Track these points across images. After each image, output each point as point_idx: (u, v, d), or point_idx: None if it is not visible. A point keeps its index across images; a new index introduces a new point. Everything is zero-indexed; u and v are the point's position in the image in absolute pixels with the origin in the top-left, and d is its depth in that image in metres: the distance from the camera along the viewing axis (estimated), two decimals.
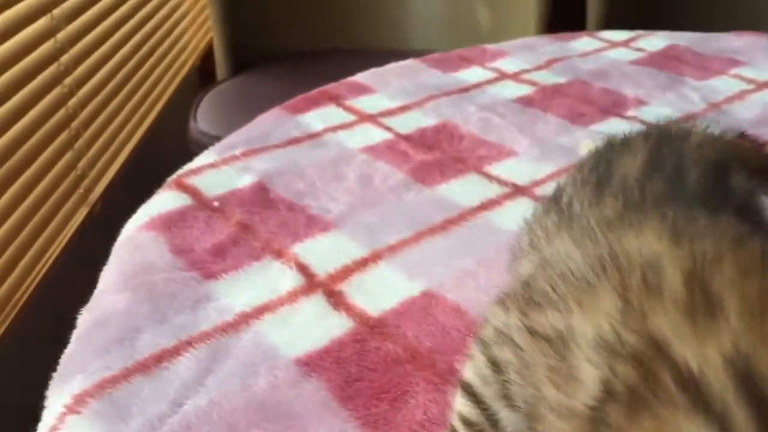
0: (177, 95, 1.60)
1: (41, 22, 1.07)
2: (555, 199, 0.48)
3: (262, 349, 0.48)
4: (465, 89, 0.89)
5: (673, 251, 0.30)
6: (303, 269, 0.56)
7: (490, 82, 0.91)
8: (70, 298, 0.57)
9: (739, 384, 0.24)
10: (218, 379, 0.46)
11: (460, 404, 0.39)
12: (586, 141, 0.72)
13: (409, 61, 0.96)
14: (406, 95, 0.86)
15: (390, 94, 0.87)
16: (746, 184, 0.48)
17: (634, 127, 0.80)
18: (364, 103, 0.84)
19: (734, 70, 0.95)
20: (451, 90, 0.88)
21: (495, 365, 0.35)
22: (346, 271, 0.57)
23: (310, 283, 0.55)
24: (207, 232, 0.61)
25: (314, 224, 0.62)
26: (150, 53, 1.48)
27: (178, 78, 1.64)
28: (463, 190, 0.68)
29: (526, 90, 0.89)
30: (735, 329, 0.25)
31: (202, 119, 1.40)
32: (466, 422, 0.38)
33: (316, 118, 0.80)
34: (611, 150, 0.50)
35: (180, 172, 0.69)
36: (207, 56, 1.76)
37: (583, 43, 1.04)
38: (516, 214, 0.64)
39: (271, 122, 0.80)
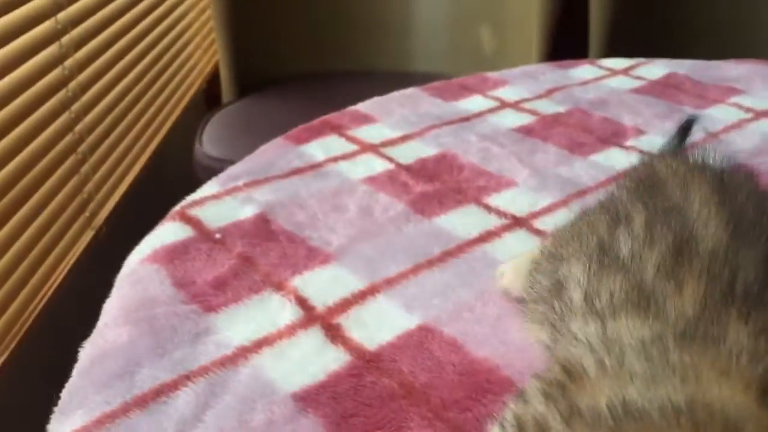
0: (183, 118, 1.62)
1: (49, 51, 1.09)
2: (612, 247, 0.41)
3: (260, 383, 0.49)
4: (466, 118, 0.90)
5: (761, 416, 0.29)
6: (302, 302, 0.57)
7: (491, 111, 0.92)
8: (75, 321, 0.58)
9: None
10: (216, 414, 0.46)
11: None
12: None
13: (411, 90, 0.97)
14: (408, 125, 0.88)
15: (391, 124, 0.88)
16: None
17: (632, 158, 0.81)
18: (366, 133, 0.85)
19: (733, 99, 0.95)
20: (452, 119, 0.89)
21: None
22: (345, 304, 0.57)
23: (309, 316, 0.56)
24: (209, 264, 0.61)
25: (314, 256, 0.63)
26: (157, 77, 1.50)
27: (185, 101, 1.66)
28: (462, 221, 0.69)
29: (526, 119, 0.90)
30: None
31: (207, 142, 1.41)
32: None
33: (318, 148, 0.81)
34: (678, 189, 0.44)
35: (183, 203, 0.70)
36: (213, 79, 1.78)
37: (583, 71, 1.05)
38: (514, 246, 0.65)
39: (273, 152, 0.81)
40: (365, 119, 0.89)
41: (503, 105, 0.94)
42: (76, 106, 1.16)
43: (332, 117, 0.89)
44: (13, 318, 0.99)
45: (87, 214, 1.21)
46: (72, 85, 1.15)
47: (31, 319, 1.03)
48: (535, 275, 0.50)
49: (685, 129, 0.66)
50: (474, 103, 0.94)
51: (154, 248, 0.63)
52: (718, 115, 0.91)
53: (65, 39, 1.13)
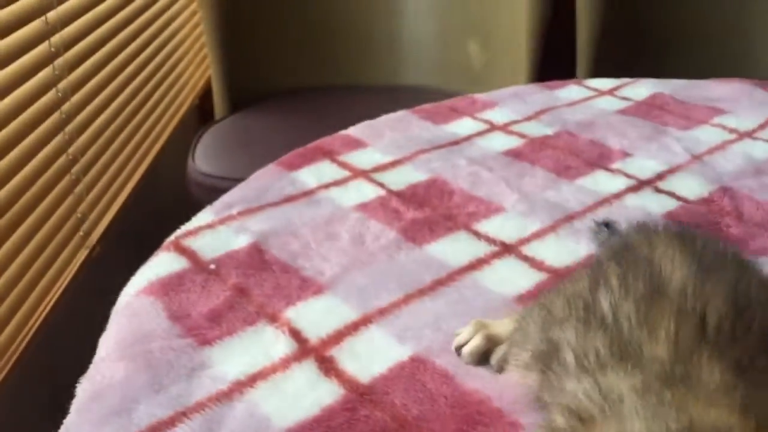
0: (176, 135, 1.63)
1: (43, 74, 1.09)
2: (595, 307, 0.45)
3: (255, 419, 0.50)
4: (455, 142, 0.91)
5: (740, 425, 0.34)
6: (295, 334, 0.58)
7: (480, 134, 0.93)
8: (72, 340, 0.59)
9: None
10: None
11: None
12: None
13: (401, 113, 0.99)
14: (398, 149, 0.89)
15: (382, 148, 0.89)
16: None
17: (618, 181, 0.82)
18: (357, 158, 0.86)
19: (717, 119, 0.97)
20: (442, 143, 0.90)
21: None
22: (338, 336, 0.58)
23: (303, 349, 0.57)
24: (203, 296, 0.63)
25: (307, 287, 0.64)
26: (149, 95, 1.50)
27: (177, 117, 1.66)
28: (453, 248, 0.70)
29: (515, 142, 0.91)
30: None
31: (200, 158, 1.42)
32: None
33: (311, 175, 0.83)
34: (645, 245, 0.48)
35: (178, 233, 0.71)
36: (205, 95, 1.79)
37: (570, 91, 1.06)
38: (503, 273, 0.67)
39: (266, 179, 0.82)
40: (356, 144, 0.90)
41: (492, 128, 0.95)
42: (69, 128, 1.17)
43: (323, 142, 0.90)
44: (10, 337, 0.99)
45: (81, 233, 1.22)
46: (66, 107, 1.16)
47: (28, 338, 1.03)
48: (526, 325, 0.52)
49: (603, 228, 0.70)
50: (463, 126, 0.95)
51: (150, 280, 0.64)
52: (702, 137, 0.92)
53: (59, 62, 1.13)
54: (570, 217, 0.75)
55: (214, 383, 0.53)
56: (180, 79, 1.71)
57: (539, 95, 1.05)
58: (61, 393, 0.51)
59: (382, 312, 0.61)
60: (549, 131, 0.94)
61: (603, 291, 0.45)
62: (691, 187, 0.81)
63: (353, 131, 0.93)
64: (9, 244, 0.99)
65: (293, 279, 0.65)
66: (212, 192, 0.82)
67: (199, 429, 0.49)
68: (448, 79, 1.66)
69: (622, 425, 0.36)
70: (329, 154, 0.87)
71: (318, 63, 1.72)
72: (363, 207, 0.76)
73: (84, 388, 0.53)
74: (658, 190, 0.80)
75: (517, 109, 1.00)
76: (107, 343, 0.57)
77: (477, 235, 0.72)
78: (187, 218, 0.74)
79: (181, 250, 0.68)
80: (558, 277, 0.65)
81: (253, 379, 0.54)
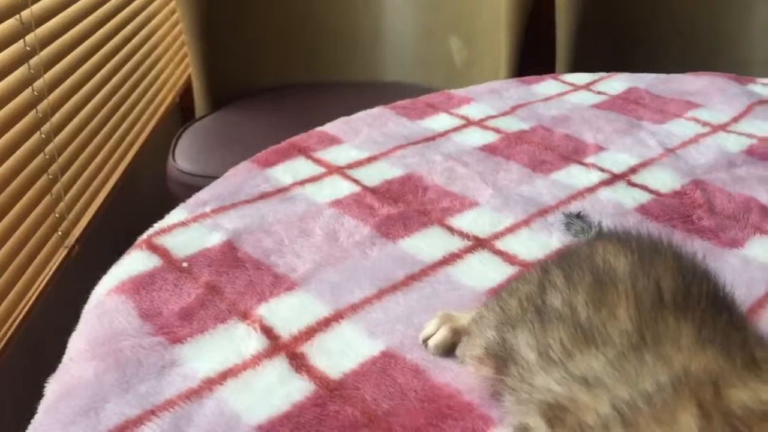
0: (156, 133, 1.62)
1: (19, 72, 1.09)
2: (546, 307, 0.46)
3: (225, 416, 0.50)
4: (431, 138, 0.91)
5: (728, 367, 0.36)
6: (267, 331, 0.58)
7: (456, 129, 0.94)
8: (50, 341, 0.59)
9: None
10: None
11: None
12: None
13: (377, 109, 0.99)
14: (374, 145, 0.89)
15: (358, 144, 0.89)
16: None
17: (592, 175, 0.83)
18: (333, 155, 0.86)
19: (691, 113, 0.98)
20: (418, 139, 0.91)
21: None
22: (310, 332, 0.59)
23: (274, 345, 0.57)
24: (175, 294, 0.62)
25: (280, 284, 0.64)
26: (128, 94, 1.50)
27: (157, 116, 1.66)
28: (426, 243, 0.70)
29: (490, 137, 0.91)
30: None
31: (180, 157, 1.42)
32: None
33: (286, 172, 0.82)
34: (585, 248, 0.50)
35: (150, 231, 0.71)
36: (186, 93, 1.78)
37: (547, 86, 1.07)
38: (476, 267, 0.67)
39: (241, 176, 0.82)
40: (332, 140, 0.90)
41: (468, 123, 0.95)
42: (45, 128, 1.16)
43: (299, 139, 0.90)
44: None
45: (59, 233, 1.21)
46: (42, 106, 1.15)
47: (6, 339, 1.03)
48: (481, 320, 0.52)
49: (576, 219, 0.72)
50: (439, 121, 0.95)
51: (121, 279, 0.64)
52: (676, 130, 0.93)
53: (34, 60, 1.13)
54: (543, 212, 0.76)
55: (185, 381, 0.53)
56: (160, 77, 1.70)
57: (515, 90, 1.05)
58: (40, 394, 0.51)
59: (354, 308, 0.61)
60: (525, 126, 0.94)
61: (551, 292, 0.46)
62: (663, 180, 0.81)
63: (329, 128, 0.93)
64: None
65: (266, 276, 0.65)
66: (193, 190, 0.82)
67: (168, 427, 0.49)
68: (429, 75, 1.66)
69: (610, 397, 0.36)
70: (304, 151, 0.87)
71: (299, 60, 1.71)
72: (337, 203, 0.77)
73: (53, 388, 0.53)
74: (632, 184, 0.81)
75: (494, 104, 1.01)
76: (77, 342, 0.57)
77: (451, 230, 0.72)
78: None
79: (154, 248, 0.68)
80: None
81: (223, 377, 0.54)
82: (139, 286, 0.63)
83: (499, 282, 0.65)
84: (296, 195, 0.78)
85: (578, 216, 0.71)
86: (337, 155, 0.86)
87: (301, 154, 0.87)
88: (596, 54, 1.44)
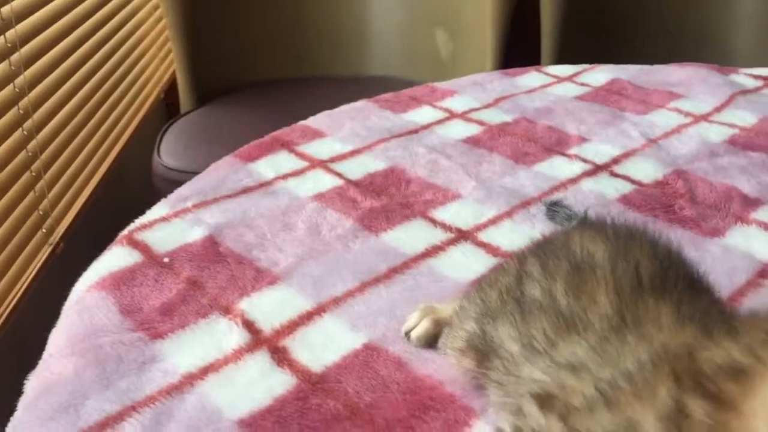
0: (141, 129, 1.61)
1: (0, 67, 1.08)
2: (525, 299, 0.46)
3: (206, 411, 0.50)
4: (414, 130, 0.91)
5: (702, 341, 0.36)
6: (249, 325, 0.58)
7: (439, 122, 0.94)
8: (35, 339, 0.58)
9: None
10: None
11: None
12: None
13: (361, 103, 0.99)
14: (357, 138, 0.89)
15: (341, 138, 0.89)
16: None
17: (574, 166, 0.83)
18: (316, 149, 0.86)
19: (673, 103, 0.98)
20: (401, 132, 0.91)
21: None
22: (292, 326, 0.58)
23: (256, 339, 0.57)
24: (156, 289, 0.62)
25: (262, 278, 0.64)
26: (112, 90, 1.48)
27: (142, 111, 1.64)
28: (409, 236, 0.70)
29: (473, 129, 0.91)
30: None
31: (165, 153, 1.41)
32: None
33: (268, 166, 0.82)
34: (560, 237, 0.51)
35: (131, 226, 0.71)
36: (171, 88, 1.77)
37: (530, 78, 1.07)
38: (459, 259, 0.67)
39: (223, 171, 0.82)
40: (315, 134, 0.90)
41: (452, 116, 0.95)
42: (27, 125, 1.15)
43: (282, 133, 0.90)
44: None
45: (44, 230, 1.20)
46: (23, 102, 1.14)
47: None
48: (463, 312, 0.52)
49: (554, 209, 0.72)
50: (423, 114, 0.95)
51: (101, 275, 0.63)
52: (658, 121, 0.93)
53: (15, 57, 1.12)
54: (526, 203, 0.76)
55: (165, 377, 0.53)
56: (144, 73, 1.69)
57: (499, 83, 1.05)
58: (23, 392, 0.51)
59: (337, 301, 0.61)
60: (508, 118, 0.94)
61: (528, 283, 0.46)
62: (646, 170, 0.82)
63: (312, 121, 0.93)
64: None
65: (248, 270, 0.65)
66: (178, 186, 0.81)
67: (148, 423, 0.49)
68: (415, 69, 1.65)
69: (594, 380, 0.37)
70: (287, 145, 0.87)
71: (284, 54, 1.71)
72: (320, 197, 0.76)
73: (32, 385, 0.53)
74: (614, 174, 0.81)
75: (477, 96, 1.01)
76: (57, 339, 0.57)
77: (433, 222, 0.72)
78: None
79: (134, 244, 0.68)
80: None
81: (204, 372, 0.54)
82: (119, 281, 0.62)
83: (482, 274, 0.65)
84: (279, 189, 0.78)
85: (557, 204, 0.72)
86: (320, 149, 0.86)
87: (284, 148, 0.86)
88: (581, 47, 1.44)
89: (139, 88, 1.65)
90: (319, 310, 0.60)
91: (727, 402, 0.31)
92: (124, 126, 1.55)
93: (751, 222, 0.72)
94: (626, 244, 0.46)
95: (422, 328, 0.56)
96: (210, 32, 1.63)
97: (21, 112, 1.14)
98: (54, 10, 1.25)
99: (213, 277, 0.64)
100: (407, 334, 0.56)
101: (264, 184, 0.79)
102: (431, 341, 0.56)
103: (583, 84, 1.05)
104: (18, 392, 0.52)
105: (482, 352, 0.47)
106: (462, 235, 0.70)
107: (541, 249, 0.49)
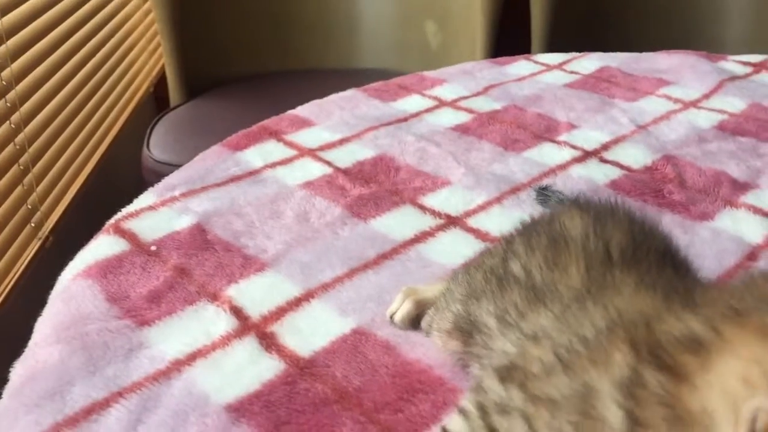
0: (131, 122, 1.60)
1: None
2: (507, 275, 0.46)
3: (194, 397, 0.50)
4: (404, 119, 0.91)
5: (664, 307, 0.36)
6: (237, 312, 0.58)
7: (428, 110, 0.93)
8: (24, 333, 0.58)
9: None
10: (148, 429, 0.47)
11: None
12: None
13: (350, 92, 0.98)
14: (346, 127, 0.88)
15: (330, 127, 0.89)
16: None
17: (564, 152, 0.83)
18: (304, 137, 0.86)
19: (662, 90, 0.98)
20: (390, 120, 0.90)
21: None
22: (280, 312, 0.58)
23: (244, 325, 0.57)
24: (143, 277, 0.62)
25: (250, 265, 0.64)
26: (101, 83, 1.48)
27: (132, 105, 1.64)
28: (398, 222, 0.70)
29: (463, 117, 0.91)
30: None
31: (155, 146, 1.40)
32: None
33: (257, 155, 0.82)
34: (546, 216, 0.51)
35: (118, 215, 0.70)
36: (161, 82, 1.76)
37: (520, 66, 1.07)
38: (448, 245, 0.67)
39: (211, 160, 0.81)
40: (304, 123, 0.89)
41: (441, 104, 0.95)
42: (15, 118, 1.15)
43: (270, 122, 0.89)
44: None
45: (32, 224, 1.20)
46: (10, 96, 1.13)
47: None
48: (449, 293, 0.52)
49: (544, 194, 0.73)
50: (412, 102, 0.95)
51: (88, 264, 0.63)
52: (647, 107, 0.93)
53: (1, 49, 1.11)
54: (516, 189, 0.75)
55: (152, 363, 0.53)
56: (133, 66, 1.68)
57: (488, 71, 1.05)
58: None
59: (325, 287, 0.61)
60: (497, 106, 0.94)
61: (512, 260, 0.46)
62: (635, 156, 0.82)
63: (300, 111, 0.93)
64: None
65: (236, 258, 0.64)
66: None
67: (134, 408, 0.49)
68: (405, 61, 1.65)
69: (551, 346, 0.37)
70: (276, 134, 0.86)
71: (275, 47, 1.70)
72: (309, 185, 0.76)
73: (18, 372, 0.52)
74: (603, 160, 0.81)
75: (466, 85, 1.00)
76: (42, 327, 0.56)
77: (423, 209, 0.72)
78: None
79: (121, 232, 0.67)
80: None
81: (192, 358, 0.53)
82: (106, 270, 0.62)
83: (470, 257, 0.64)
84: (267, 177, 0.77)
85: (545, 189, 0.72)
86: (308, 137, 0.86)
87: (272, 137, 0.86)
88: (572, 35, 1.44)
89: (129, 82, 1.64)
90: (307, 296, 0.60)
91: (682, 375, 0.31)
92: (114, 119, 1.54)
93: (740, 206, 0.72)
94: (604, 220, 0.46)
95: (404, 309, 0.56)
96: (199, 25, 1.62)
97: (8, 104, 1.13)
98: (41, 2, 1.24)
99: (201, 264, 0.63)
100: (392, 317, 0.56)
101: (252, 173, 0.78)
102: (414, 322, 0.55)
103: (572, 72, 1.05)
104: (6, 383, 0.51)
105: (467, 332, 0.47)
106: (451, 221, 0.70)
107: (527, 228, 0.49)
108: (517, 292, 0.43)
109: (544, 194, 0.71)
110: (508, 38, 1.47)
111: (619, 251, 0.43)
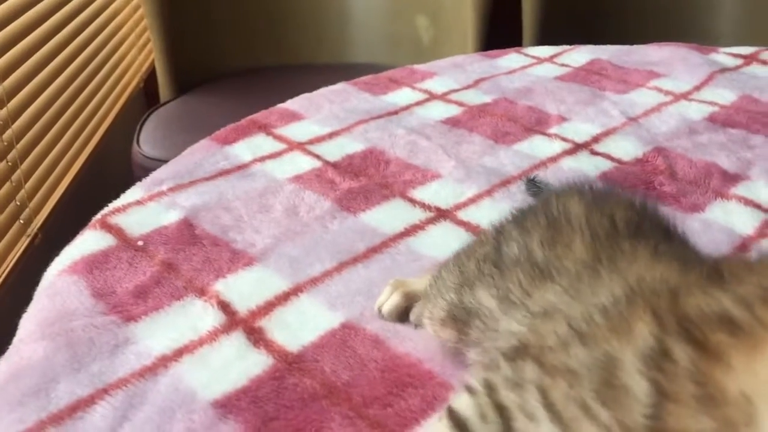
0: (121, 118, 1.59)
1: None
2: (504, 259, 0.46)
3: (180, 393, 0.49)
4: (394, 112, 0.90)
5: (688, 277, 0.35)
6: (224, 307, 0.57)
7: (419, 103, 0.93)
8: (11, 331, 0.57)
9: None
10: (134, 426, 0.46)
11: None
12: None
13: (340, 85, 0.98)
14: (336, 120, 0.88)
15: (319, 120, 0.88)
16: None
17: (554, 145, 0.83)
18: (294, 131, 0.85)
19: (653, 82, 0.98)
20: (380, 113, 0.90)
21: (501, 409, 0.36)
22: (268, 307, 0.58)
23: (231, 320, 0.56)
24: (130, 272, 0.61)
25: (238, 259, 0.63)
26: (89, 79, 1.46)
27: (122, 100, 1.62)
28: (388, 216, 0.69)
29: (453, 111, 0.91)
30: None
31: (144, 142, 1.39)
32: None
33: (245, 149, 0.81)
34: (540, 202, 0.51)
35: (105, 210, 0.69)
36: (151, 77, 1.75)
37: (510, 60, 1.06)
38: (438, 238, 0.66)
39: (200, 154, 0.80)
40: (293, 117, 0.89)
41: (431, 97, 0.94)
42: (2, 113, 1.13)
43: (260, 116, 0.88)
44: None
45: (21, 221, 1.19)
46: None
47: None
48: (441, 282, 0.51)
49: (535, 184, 0.72)
50: (402, 96, 0.94)
51: (74, 259, 0.62)
52: (638, 100, 0.93)
53: None
54: (506, 182, 0.75)
55: (138, 359, 0.52)
56: (123, 61, 1.67)
57: (479, 64, 1.04)
58: None
59: (314, 281, 0.60)
60: (488, 99, 0.94)
61: (506, 244, 0.46)
62: (625, 148, 0.81)
63: (290, 104, 0.92)
64: None
65: (223, 252, 0.64)
66: None
67: (120, 405, 0.48)
68: (397, 55, 1.64)
69: (565, 319, 0.36)
70: (265, 128, 0.86)
71: (265, 43, 1.69)
72: (298, 179, 0.75)
73: (1, 369, 0.51)
74: (594, 153, 0.81)
75: (457, 78, 1.00)
76: (27, 323, 0.56)
77: (412, 202, 0.72)
78: None
79: (108, 227, 0.67)
80: None
81: (179, 353, 0.53)
82: (91, 265, 0.61)
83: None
84: (256, 171, 0.77)
85: (534, 179, 0.71)
86: (298, 131, 0.85)
87: (261, 130, 0.85)
88: (562, 28, 1.44)
89: (118, 77, 1.63)
90: (296, 291, 0.59)
91: (715, 353, 0.30)
92: (103, 115, 1.53)
93: (731, 197, 0.72)
94: (602, 198, 0.46)
95: (393, 301, 0.55)
96: (189, 20, 1.60)
97: None
98: None
99: (188, 259, 0.63)
100: (380, 309, 0.56)
101: (241, 167, 0.77)
102: (402, 315, 0.55)
103: (563, 65, 1.04)
104: None
105: (462, 320, 0.47)
106: (441, 214, 0.70)
107: (518, 215, 0.49)
108: (519, 271, 0.43)
109: (534, 185, 0.71)
110: (498, 32, 1.47)
111: (624, 223, 0.42)
